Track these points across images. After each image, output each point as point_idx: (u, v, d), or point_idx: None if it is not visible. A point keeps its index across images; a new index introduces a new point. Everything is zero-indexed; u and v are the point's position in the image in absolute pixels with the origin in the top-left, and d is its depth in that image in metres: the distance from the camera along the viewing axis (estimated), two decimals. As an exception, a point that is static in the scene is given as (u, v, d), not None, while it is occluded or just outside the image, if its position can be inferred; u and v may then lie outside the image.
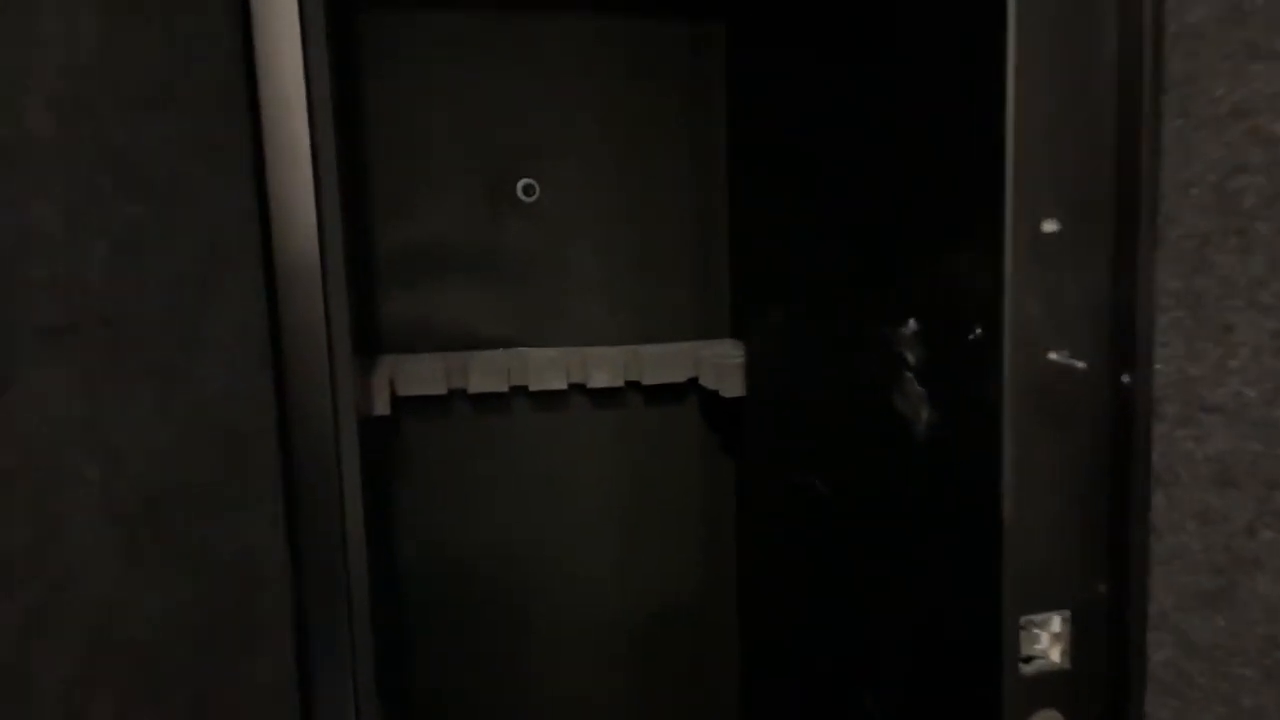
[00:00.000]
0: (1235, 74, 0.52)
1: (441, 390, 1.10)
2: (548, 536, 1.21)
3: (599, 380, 1.14)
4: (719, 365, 1.11)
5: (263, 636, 0.67)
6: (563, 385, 1.13)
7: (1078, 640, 0.56)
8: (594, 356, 1.15)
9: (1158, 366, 0.56)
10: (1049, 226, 0.53)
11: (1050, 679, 0.56)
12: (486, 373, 1.11)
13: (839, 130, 0.74)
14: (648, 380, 1.16)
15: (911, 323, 0.62)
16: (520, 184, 1.17)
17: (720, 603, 1.27)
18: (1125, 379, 0.54)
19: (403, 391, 1.08)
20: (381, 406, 1.02)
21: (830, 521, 0.80)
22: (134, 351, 0.49)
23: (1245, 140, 0.52)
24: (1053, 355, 0.53)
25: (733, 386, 1.10)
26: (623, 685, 1.26)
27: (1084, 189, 0.53)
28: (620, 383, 1.15)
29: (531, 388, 1.12)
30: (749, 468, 1.17)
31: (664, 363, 1.16)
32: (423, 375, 1.09)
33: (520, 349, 1.18)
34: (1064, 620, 0.56)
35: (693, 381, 1.18)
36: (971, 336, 0.55)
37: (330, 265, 0.77)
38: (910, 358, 0.63)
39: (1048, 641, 0.56)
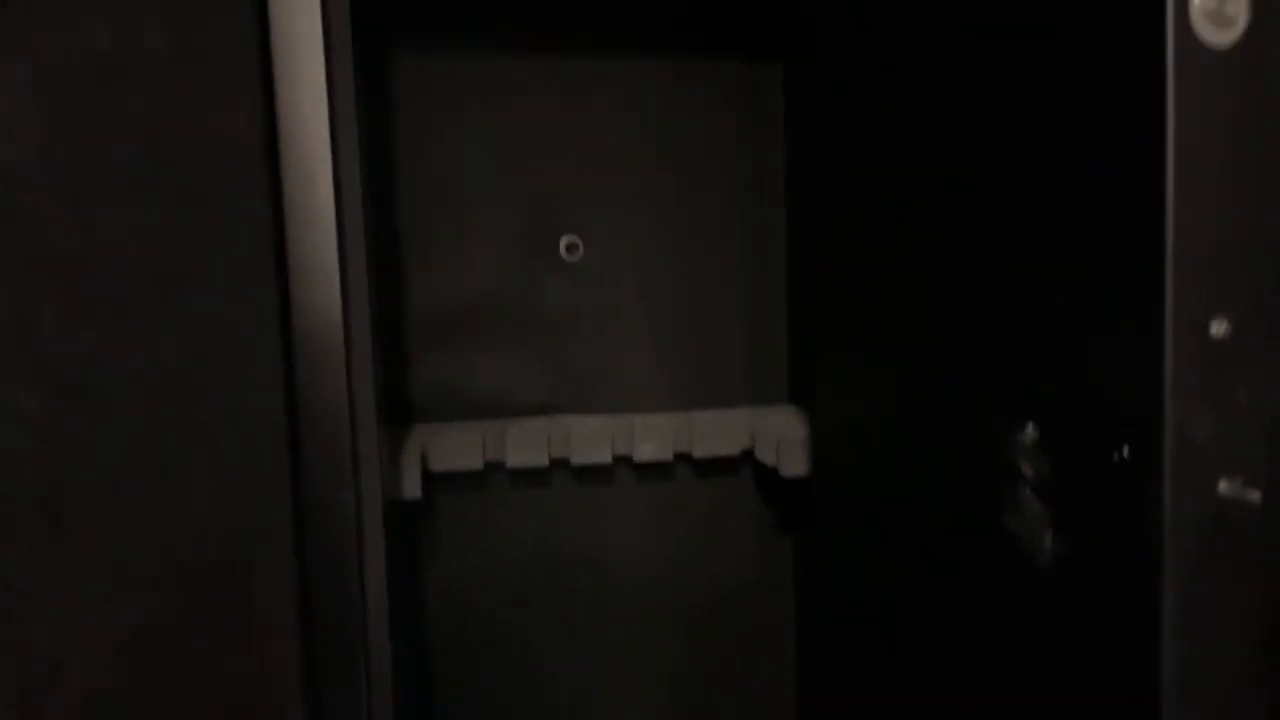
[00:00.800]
0: None
1: (477, 465, 1.01)
2: (590, 622, 1.11)
3: (645, 453, 1.05)
4: (778, 439, 1.02)
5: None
6: (607, 459, 1.05)
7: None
8: (641, 425, 1.06)
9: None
10: (1217, 328, 0.43)
11: None
12: (525, 444, 1.03)
13: (930, 177, 0.65)
14: (699, 453, 1.06)
15: (1030, 428, 0.52)
16: (563, 241, 1.09)
17: (778, 705, 1.16)
18: (1312, 514, 0.44)
19: (435, 467, 1.00)
20: (411, 488, 0.94)
21: (916, 646, 0.70)
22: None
23: None
24: (1223, 487, 0.44)
25: (794, 464, 1.01)
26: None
27: (1259, 280, 0.44)
28: (669, 455, 1.06)
29: (574, 461, 1.04)
30: (815, 560, 1.07)
31: (716, 433, 1.07)
32: (457, 448, 1.01)
33: (562, 416, 1.09)
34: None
35: (747, 453, 1.09)
36: (1117, 458, 0.45)
37: (356, 345, 0.69)
38: (1028, 470, 0.53)
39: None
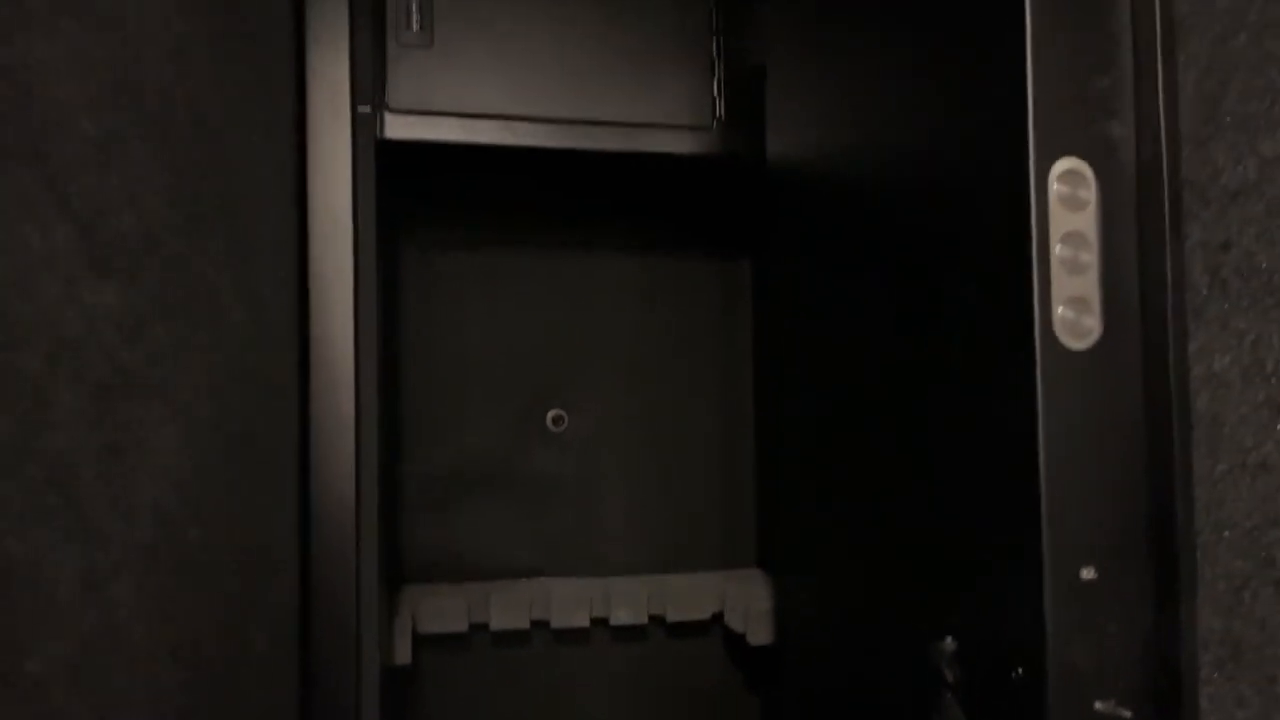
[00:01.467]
0: (1262, 428, 0.54)
1: (462, 628, 1.08)
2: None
3: (621, 617, 1.13)
4: (746, 608, 1.10)
5: None
6: (585, 623, 1.12)
7: None
8: (617, 590, 1.14)
9: (1203, 704, 0.55)
10: (1087, 574, 0.53)
11: None
12: (508, 608, 1.10)
13: (869, 403, 0.76)
14: (671, 617, 1.14)
15: (949, 640, 0.61)
16: (550, 414, 1.20)
17: None
18: (1173, 731, 0.53)
19: (423, 629, 1.07)
20: (403, 654, 1.01)
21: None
22: None
23: (1277, 496, 0.53)
24: (1099, 705, 0.52)
25: (760, 633, 1.08)
26: None
27: (1119, 534, 0.54)
28: (643, 619, 1.14)
29: (554, 624, 1.11)
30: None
31: (688, 597, 1.15)
32: (444, 611, 1.08)
33: (544, 579, 1.17)
34: None
35: (718, 616, 1.16)
36: (1014, 675, 0.54)
37: (365, 538, 0.78)
38: (949, 675, 0.62)
39: None
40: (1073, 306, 0.54)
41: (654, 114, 0.99)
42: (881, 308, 0.71)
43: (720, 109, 1.01)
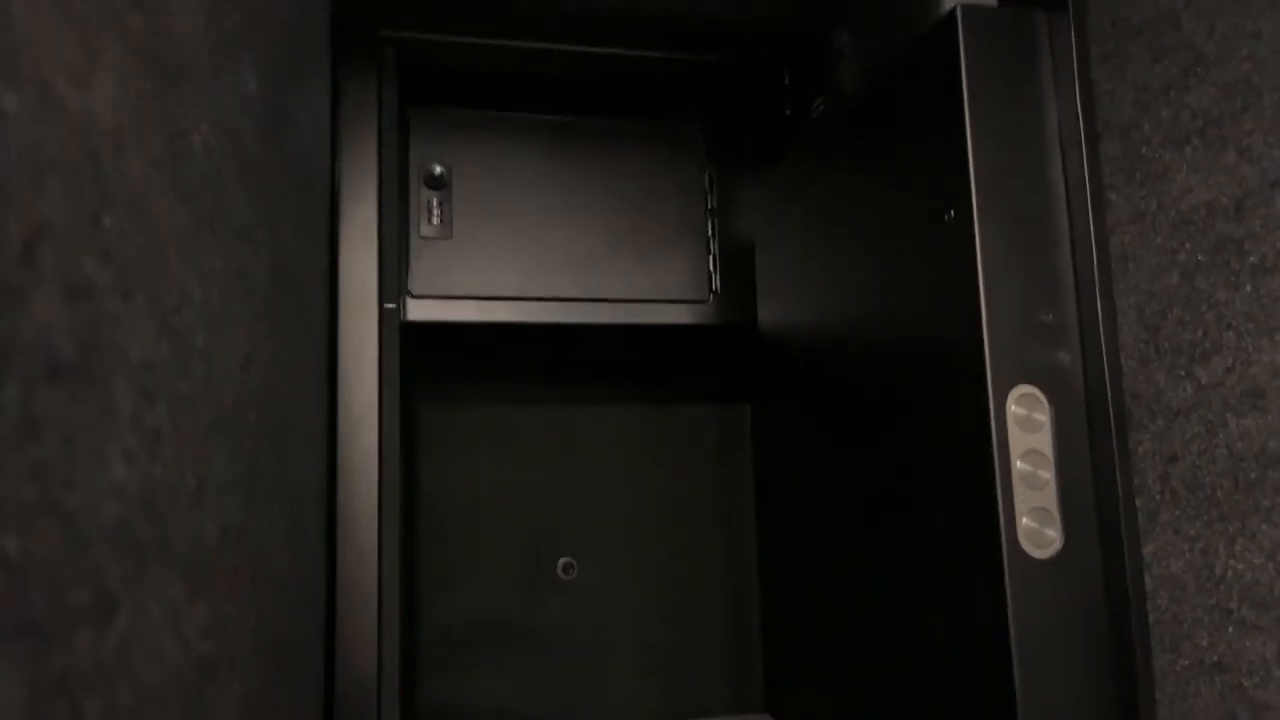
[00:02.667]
0: (1215, 629, 0.58)
1: (475, 785, 1.10)
2: None
3: (631, 770, 1.15)
4: (751, 759, 1.12)
5: None
6: (595, 777, 1.14)
7: None
8: (626, 740, 1.16)
9: None
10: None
11: None
12: (520, 762, 1.12)
13: (855, 568, 0.80)
14: (680, 768, 1.16)
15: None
16: (560, 562, 1.24)
17: None
18: None
19: (436, 786, 1.09)
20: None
21: None
22: None
23: (1232, 695, 0.57)
24: None
25: (765, 786, 1.10)
26: None
27: (1090, 731, 0.58)
28: (652, 771, 1.15)
29: (564, 780, 1.13)
30: None
31: (696, 746, 1.17)
32: (457, 767, 1.10)
33: (553, 729, 1.19)
34: None
35: (725, 765, 1.18)
36: None
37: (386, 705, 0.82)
38: None
39: None
40: (1035, 517, 0.59)
41: (655, 290, 1.06)
42: (864, 490, 0.76)
43: (715, 283, 1.09)
